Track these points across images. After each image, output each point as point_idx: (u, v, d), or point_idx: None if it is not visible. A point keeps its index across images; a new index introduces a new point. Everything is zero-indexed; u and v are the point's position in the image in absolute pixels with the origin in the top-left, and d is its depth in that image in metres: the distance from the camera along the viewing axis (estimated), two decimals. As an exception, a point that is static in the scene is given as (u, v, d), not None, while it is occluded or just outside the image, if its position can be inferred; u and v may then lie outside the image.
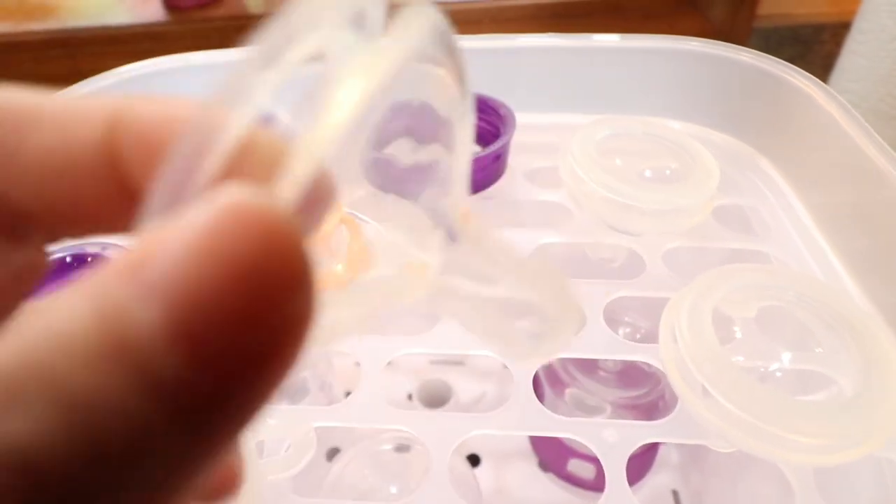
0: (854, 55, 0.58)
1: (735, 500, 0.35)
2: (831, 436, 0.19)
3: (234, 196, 0.06)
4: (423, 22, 0.09)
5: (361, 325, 0.11)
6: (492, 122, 0.37)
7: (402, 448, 0.43)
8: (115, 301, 0.06)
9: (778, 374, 0.23)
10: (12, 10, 0.87)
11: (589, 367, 0.43)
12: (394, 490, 0.36)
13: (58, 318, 0.06)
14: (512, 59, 0.40)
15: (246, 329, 0.06)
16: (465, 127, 0.11)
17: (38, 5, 0.88)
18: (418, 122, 0.11)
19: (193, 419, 0.06)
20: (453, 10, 0.76)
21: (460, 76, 0.11)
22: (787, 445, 0.19)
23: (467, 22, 0.77)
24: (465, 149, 0.11)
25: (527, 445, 0.46)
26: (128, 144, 0.09)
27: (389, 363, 0.26)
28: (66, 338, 0.06)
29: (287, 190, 0.07)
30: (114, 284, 0.06)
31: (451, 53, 0.10)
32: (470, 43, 0.40)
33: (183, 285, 0.06)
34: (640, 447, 0.22)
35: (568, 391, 0.43)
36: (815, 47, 0.75)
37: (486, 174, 0.34)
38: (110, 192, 0.09)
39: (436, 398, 0.48)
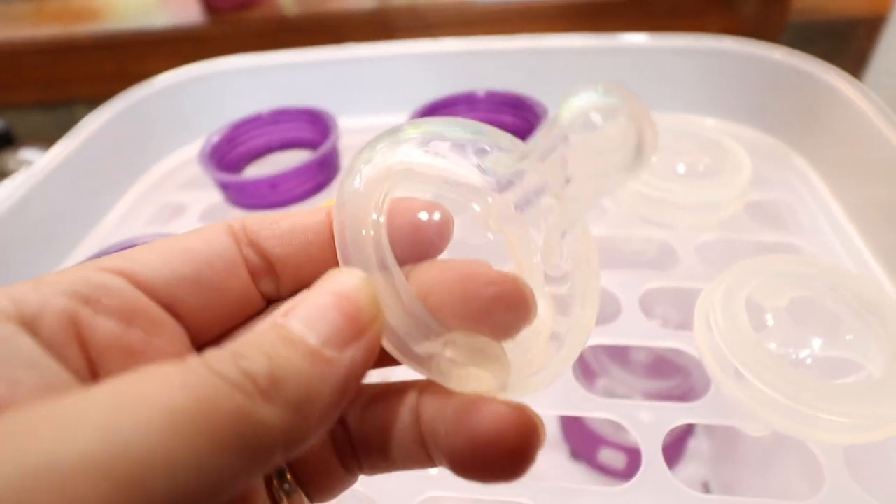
0: (890, 50, 0.58)
1: (766, 492, 0.36)
2: (861, 416, 0.20)
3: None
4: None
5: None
6: (528, 120, 0.38)
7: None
8: (282, 324, 0.12)
9: (808, 360, 0.23)
10: (60, 14, 0.91)
11: (620, 358, 0.44)
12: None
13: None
14: (546, 59, 0.41)
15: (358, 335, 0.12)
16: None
17: (84, 8, 0.91)
18: None
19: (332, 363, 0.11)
20: (483, 9, 0.77)
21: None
22: (818, 425, 0.20)
23: (496, 21, 0.78)
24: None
25: (558, 434, 0.47)
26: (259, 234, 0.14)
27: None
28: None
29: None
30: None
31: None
32: (505, 44, 0.42)
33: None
34: (670, 436, 0.23)
35: (599, 381, 0.44)
36: (849, 42, 0.74)
37: (522, 170, 0.36)
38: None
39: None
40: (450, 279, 0.13)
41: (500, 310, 0.12)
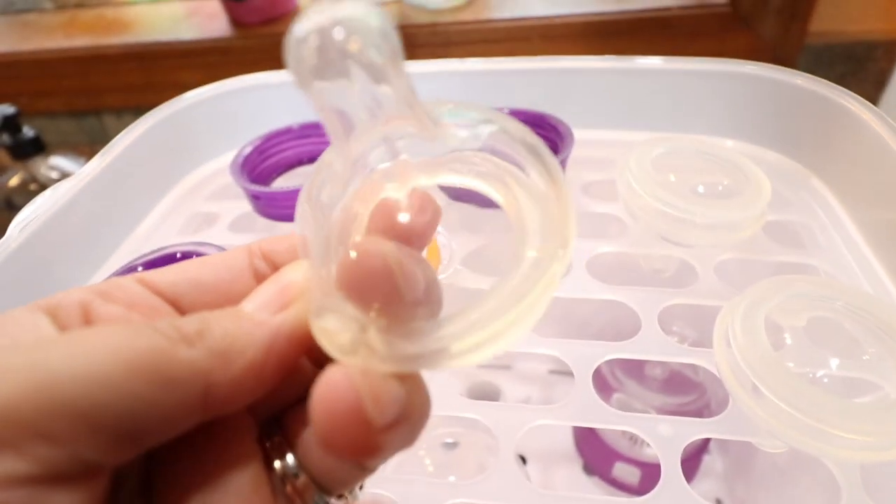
0: (908, 74, 0.58)
1: (780, 511, 0.36)
2: (878, 434, 0.20)
3: None
4: None
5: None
6: (550, 138, 0.39)
7: (450, 445, 0.45)
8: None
9: (825, 379, 0.24)
10: (91, 26, 0.94)
11: (636, 373, 0.45)
12: (452, 479, 0.38)
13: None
14: (569, 79, 0.42)
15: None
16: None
17: (114, 21, 0.94)
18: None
19: None
20: (504, 28, 0.78)
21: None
22: (835, 442, 0.21)
23: (517, 39, 0.79)
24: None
25: (572, 448, 0.48)
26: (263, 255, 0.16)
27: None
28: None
29: None
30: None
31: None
32: (529, 64, 0.43)
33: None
34: (685, 453, 0.24)
35: (615, 395, 0.45)
36: (867, 65, 0.75)
37: (544, 187, 0.36)
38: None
39: (485, 399, 0.50)
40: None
41: (360, 284, 0.13)
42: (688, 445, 0.23)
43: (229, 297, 0.15)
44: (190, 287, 0.15)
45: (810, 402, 0.21)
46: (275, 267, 0.15)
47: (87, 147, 0.94)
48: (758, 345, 0.23)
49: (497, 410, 0.26)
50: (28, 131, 0.73)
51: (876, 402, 0.23)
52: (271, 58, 0.85)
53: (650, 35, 0.77)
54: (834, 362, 0.24)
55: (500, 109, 0.41)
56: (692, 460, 0.44)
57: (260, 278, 0.15)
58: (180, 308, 0.15)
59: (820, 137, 0.38)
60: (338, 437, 0.12)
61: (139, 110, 0.44)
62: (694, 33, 0.77)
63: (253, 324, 0.13)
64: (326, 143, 0.14)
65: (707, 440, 0.44)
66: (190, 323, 0.13)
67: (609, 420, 0.25)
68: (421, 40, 0.79)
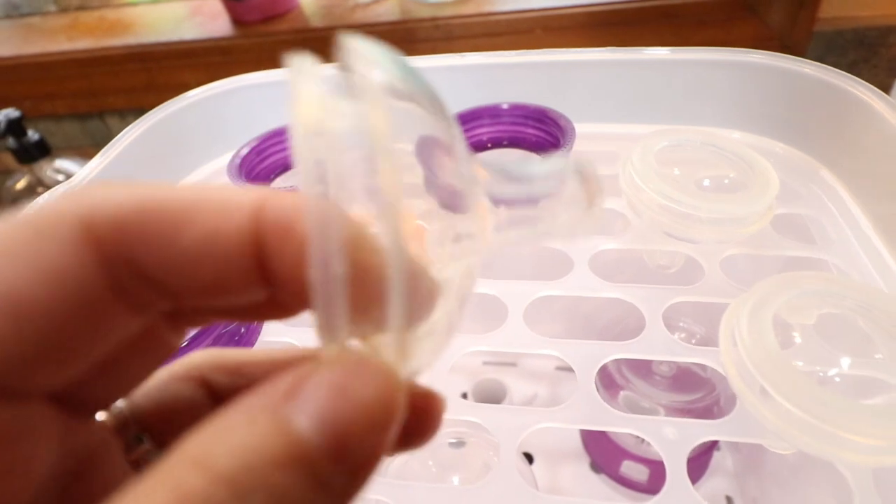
0: (921, 59, 0.57)
1: (791, 508, 0.36)
2: (892, 437, 0.19)
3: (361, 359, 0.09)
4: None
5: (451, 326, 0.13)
6: (552, 133, 0.38)
7: (456, 444, 0.45)
8: (291, 425, 0.09)
9: (836, 379, 0.23)
10: (93, 27, 0.94)
11: (643, 370, 0.44)
12: (456, 481, 0.38)
13: (246, 438, 0.09)
14: (570, 72, 0.42)
15: (369, 453, 0.09)
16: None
17: (118, 22, 0.94)
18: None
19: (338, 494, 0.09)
20: (506, 20, 0.77)
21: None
22: (846, 446, 0.20)
23: (519, 31, 0.78)
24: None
25: (579, 446, 0.47)
26: (270, 231, 0.10)
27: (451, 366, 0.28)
28: (256, 455, 0.08)
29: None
30: (285, 408, 0.09)
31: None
32: (529, 57, 0.42)
33: (336, 419, 0.09)
34: (695, 450, 0.23)
35: (622, 393, 0.44)
36: (880, 51, 0.73)
37: (546, 183, 0.36)
38: (251, 273, 0.10)
39: (491, 397, 0.50)
40: None
41: None
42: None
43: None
44: None
45: (820, 403, 0.20)
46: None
47: (92, 149, 0.94)
48: (765, 344, 0.22)
49: (500, 413, 0.26)
50: (33, 135, 0.73)
51: (889, 404, 0.22)
52: (273, 56, 0.85)
53: (655, 24, 0.76)
54: (845, 362, 0.23)
55: (501, 104, 0.41)
56: (702, 457, 0.43)
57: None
58: None
59: (830, 128, 0.36)
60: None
61: (142, 111, 0.43)
62: (699, 22, 0.76)
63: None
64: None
65: (716, 437, 0.43)
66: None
67: (613, 422, 0.24)
68: (422, 34, 0.78)
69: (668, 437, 0.23)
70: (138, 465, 0.12)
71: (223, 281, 0.10)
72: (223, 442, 0.08)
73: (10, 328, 0.09)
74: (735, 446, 0.44)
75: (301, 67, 0.10)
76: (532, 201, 0.13)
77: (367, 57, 0.11)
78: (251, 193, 0.10)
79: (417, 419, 0.12)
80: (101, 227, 0.09)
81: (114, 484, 0.11)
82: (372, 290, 0.10)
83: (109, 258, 0.10)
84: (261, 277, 0.10)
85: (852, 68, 0.79)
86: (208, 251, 0.10)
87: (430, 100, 0.12)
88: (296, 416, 0.09)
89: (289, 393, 0.09)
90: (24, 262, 0.09)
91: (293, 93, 0.10)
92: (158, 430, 0.13)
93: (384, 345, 0.10)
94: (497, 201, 0.13)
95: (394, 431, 0.10)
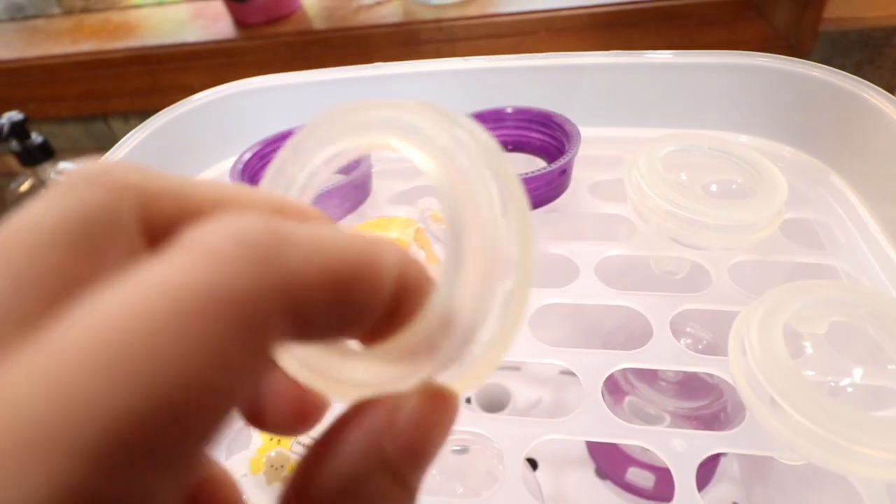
0: (929, 61, 0.56)
1: (800, 516, 0.35)
2: (905, 451, 0.19)
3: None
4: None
5: None
6: (556, 138, 0.38)
7: (460, 451, 0.45)
8: (395, 469, 0.11)
9: (849, 389, 0.23)
10: (96, 30, 0.94)
11: (649, 376, 0.44)
12: (459, 489, 0.38)
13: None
14: (574, 76, 0.41)
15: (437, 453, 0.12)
16: None
17: (122, 24, 0.94)
18: None
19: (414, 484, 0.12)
20: (509, 23, 0.77)
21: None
22: (858, 459, 0.20)
23: (522, 33, 0.78)
24: None
25: (584, 452, 0.47)
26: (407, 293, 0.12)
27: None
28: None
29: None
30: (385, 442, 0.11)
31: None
32: (532, 61, 0.42)
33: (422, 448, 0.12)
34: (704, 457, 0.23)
35: (627, 399, 0.44)
36: (885, 51, 0.73)
37: (551, 188, 0.35)
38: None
39: (495, 402, 0.49)
40: None
41: None
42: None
43: None
44: None
45: (831, 415, 0.20)
46: None
47: (96, 151, 0.94)
48: (775, 354, 0.22)
49: (505, 424, 0.25)
50: (36, 137, 0.73)
51: (902, 415, 0.22)
52: (276, 58, 0.85)
53: (659, 25, 0.76)
54: (857, 372, 0.23)
55: (505, 108, 0.40)
56: (709, 464, 0.42)
57: None
58: None
59: (838, 131, 0.36)
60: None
61: (146, 114, 0.43)
62: (704, 23, 0.75)
63: None
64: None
65: (723, 444, 0.43)
66: None
67: (621, 434, 0.24)
68: (425, 36, 0.78)
69: (677, 448, 0.23)
70: None
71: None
72: (343, 488, 0.11)
73: None
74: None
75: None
76: None
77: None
78: (397, 254, 0.12)
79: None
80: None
81: None
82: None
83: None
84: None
85: (857, 69, 0.78)
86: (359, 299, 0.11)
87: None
88: (397, 460, 0.11)
89: (386, 429, 0.11)
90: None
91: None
92: None
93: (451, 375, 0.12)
94: None
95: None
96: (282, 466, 0.26)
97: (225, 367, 0.08)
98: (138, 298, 0.08)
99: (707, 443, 0.23)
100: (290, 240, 0.09)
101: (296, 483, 0.11)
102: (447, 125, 0.12)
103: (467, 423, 0.26)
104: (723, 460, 0.44)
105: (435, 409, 0.12)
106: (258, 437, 0.27)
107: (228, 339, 0.08)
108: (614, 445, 0.43)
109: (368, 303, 0.11)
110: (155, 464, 0.07)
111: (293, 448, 0.27)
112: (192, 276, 0.08)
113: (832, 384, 0.23)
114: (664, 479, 0.43)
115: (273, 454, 0.26)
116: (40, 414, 0.07)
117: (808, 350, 0.23)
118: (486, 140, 0.12)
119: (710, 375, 0.43)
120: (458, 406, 0.12)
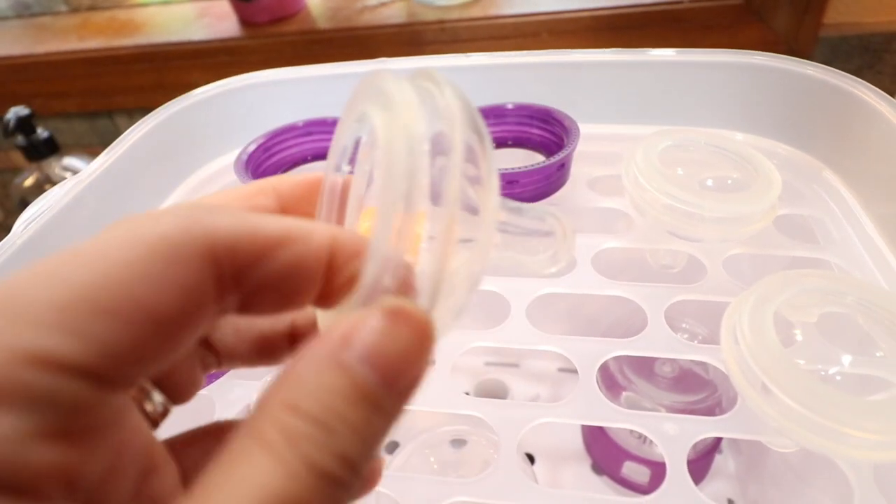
0: (927, 65, 0.57)
1: (793, 511, 0.35)
2: (892, 432, 0.19)
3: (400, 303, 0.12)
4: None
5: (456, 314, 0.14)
6: (556, 133, 0.39)
7: (457, 443, 0.45)
8: (352, 370, 0.11)
9: (838, 377, 0.23)
10: (103, 28, 0.95)
11: (645, 371, 0.44)
12: (456, 478, 0.38)
13: (320, 384, 0.11)
14: (575, 73, 0.42)
15: (412, 377, 0.11)
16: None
17: (128, 22, 0.95)
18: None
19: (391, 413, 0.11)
20: (512, 24, 0.78)
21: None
22: (847, 441, 0.20)
23: (525, 34, 0.78)
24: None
25: (581, 446, 0.47)
26: (341, 255, 0.13)
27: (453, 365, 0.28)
28: (332, 397, 0.11)
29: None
30: (344, 355, 0.11)
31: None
32: (534, 58, 0.42)
33: (384, 357, 0.11)
34: (696, 452, 0.23)
35: (624, 394, 0.44)
36: (884, 57, 0.73)
37: (549, 182, 0.36)
38: (317, 285, 0.13)
39: (492, 397, 0.50)
40: None
41: None
42: (698, 443, 0.23)
43: None
44: None
45: (821, 400, 0.20)
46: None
47: (101, 147, 0.95)
48: (766, 341, 0.22)
49: (500, 409, 0.26)
50: (42, 132, 0.74)
51: (889, 400, 0.22)
52: (280, 57, 0.85)
53: (661, 29, 0.76)
54: (846, 359, 0.23)
55: (506, 104, 0.41)
56: (703, 460, 0.43)
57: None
58: None
59: (833, 129, 0.37)
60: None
61: (150, 111, 0.44)
62: (705, 27, 0.76)
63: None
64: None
65: (719, 439, 0.43)
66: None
67: (614, 418, 0.24)
68: (429, 37, 0.79)
69: (669, 432, 0.23)
70: (146, 412, 0.14)
71: (300, 290, 0.13)
72: (303, 389, 0.11)
73: (150, 337, 0.11)
74: (737, 449, 0.44)
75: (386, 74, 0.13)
76: (523, 234, 0.16)
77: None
78: (326, 229, 0.13)
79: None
80: (221, 251, 0.12)
81: (138, 432, 0.13)
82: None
83: (222, 275, 0.12)
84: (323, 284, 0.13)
85: (856, 74, 0.78)
86: (296, 271, 0.13)
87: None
88: (353, 361, 0.11)
89: (344, 341, 0.11)
90: (169, 282, 0.11)
91: (388, 96, 0.13)
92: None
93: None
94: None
95: (428, 358, 0.12)
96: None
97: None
98: None
99: (699, 427, 0.23)
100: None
101: (260, 399, 0.11)
102: (407, 84, 0.14)
103: (464, 407, 0.26)
104: (717, 457, 0.44)
105: (396, 322, 0.11)
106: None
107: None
108: (610, 439, 0.43)
109: (301, 265, 0.12)
110: None
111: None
112: None
113: (822, 372, 0.23)
114: (659, 473, 0.43)
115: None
116: None
117: (799, 338, 0.24)
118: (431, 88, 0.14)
119: (706, 371, 0.43)
120: (429, 324, 0.12)
